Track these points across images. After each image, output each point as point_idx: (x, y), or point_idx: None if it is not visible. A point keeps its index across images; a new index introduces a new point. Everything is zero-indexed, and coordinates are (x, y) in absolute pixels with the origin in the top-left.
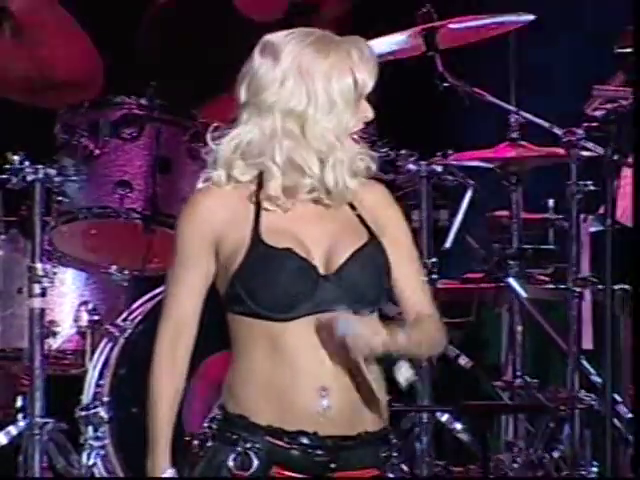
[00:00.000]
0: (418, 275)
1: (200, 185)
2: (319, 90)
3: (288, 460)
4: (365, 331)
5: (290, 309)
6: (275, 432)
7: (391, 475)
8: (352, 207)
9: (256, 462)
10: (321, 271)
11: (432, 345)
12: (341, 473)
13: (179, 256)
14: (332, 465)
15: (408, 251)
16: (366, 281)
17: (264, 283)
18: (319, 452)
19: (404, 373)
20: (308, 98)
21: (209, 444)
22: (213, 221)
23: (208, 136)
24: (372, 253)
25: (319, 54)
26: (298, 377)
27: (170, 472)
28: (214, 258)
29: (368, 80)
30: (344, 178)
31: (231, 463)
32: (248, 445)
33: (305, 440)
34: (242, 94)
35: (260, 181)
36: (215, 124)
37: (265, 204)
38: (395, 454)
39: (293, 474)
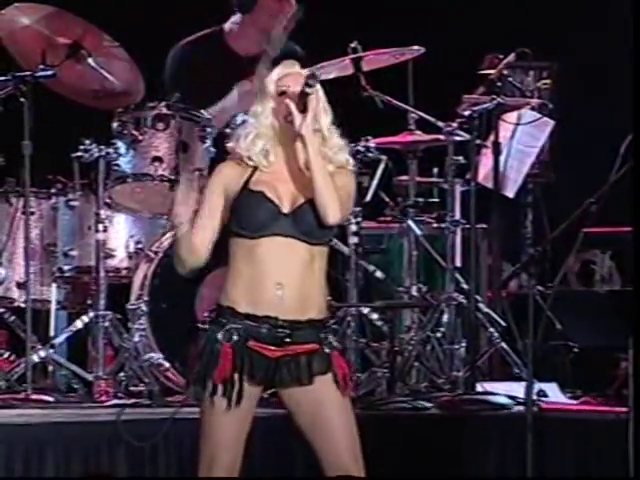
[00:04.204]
0: None
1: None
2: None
3: (259, 335)
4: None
5: (257, 231)
6: (250, 317)
7: (326, 350)
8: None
9: (235, 336)
10: (284, 210)
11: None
12: (294, 345)
13: (205, 201)
14: (288, 339)
15: None
16: (312, 222)
17: (243, 213)
18: (280, 330)
19: None
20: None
21: (207, 326)
22: (226, 182)
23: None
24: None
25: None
26: (263, 276)
27: None
28: (224, 205)
29: None
30: None
31: (220, 336)
32: (232, 325)
33: (270, 322)
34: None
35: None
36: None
37: (257, 171)
38: (330, 335)
39: (263, 344)
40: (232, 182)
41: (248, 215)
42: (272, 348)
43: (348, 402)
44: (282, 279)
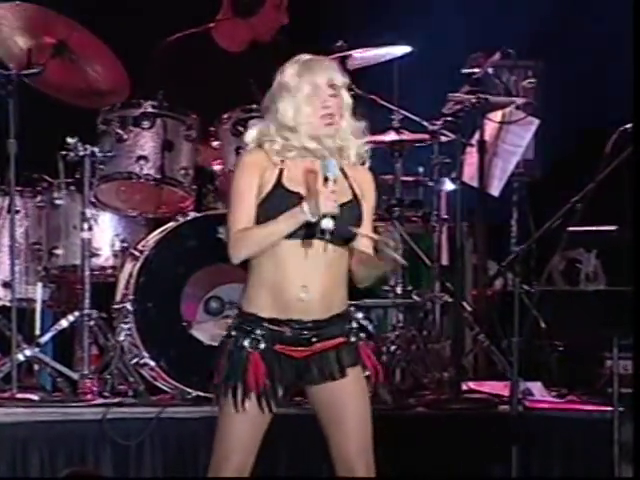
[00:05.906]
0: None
1: (247, 149)
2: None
3: (285, 339)
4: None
5: (293, 232)
6: (274, 321)
7: (353, 339)
8: (345, 177)
9: (262, 344)
10: None
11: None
12: (321, 343)
13: (237, 189)
14: (313, 339)
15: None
16: (347, 223)
17: (278, 212)
18: (305, 332)
19: (326, 223)
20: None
21: (233, 333)
22: (255, 168)
23: (250, 123)
24: (353, 206)
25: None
26: (289, 279)
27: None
28: (256, 190)
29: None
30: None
31: (246, 344)
32: (258, 332)
33: (295, 325)
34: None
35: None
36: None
37: (286, 162)
38: (355, 325)
39: (289, 347)
40: (265, 174)
41: (282, 214)
42: (299, 349)
43: (367, 400)
44: (306, 280)
